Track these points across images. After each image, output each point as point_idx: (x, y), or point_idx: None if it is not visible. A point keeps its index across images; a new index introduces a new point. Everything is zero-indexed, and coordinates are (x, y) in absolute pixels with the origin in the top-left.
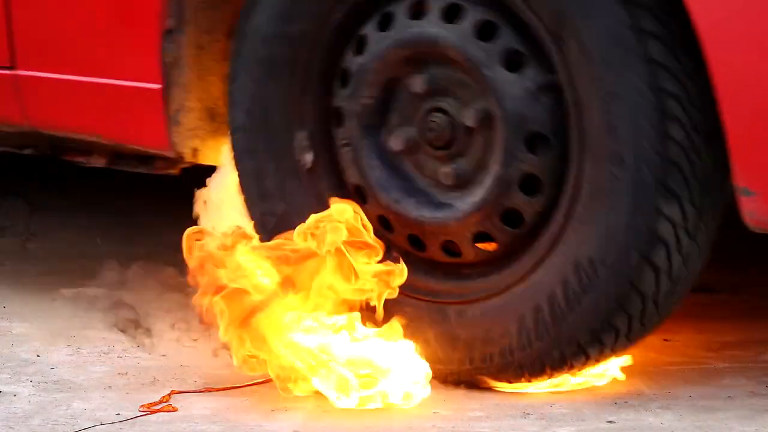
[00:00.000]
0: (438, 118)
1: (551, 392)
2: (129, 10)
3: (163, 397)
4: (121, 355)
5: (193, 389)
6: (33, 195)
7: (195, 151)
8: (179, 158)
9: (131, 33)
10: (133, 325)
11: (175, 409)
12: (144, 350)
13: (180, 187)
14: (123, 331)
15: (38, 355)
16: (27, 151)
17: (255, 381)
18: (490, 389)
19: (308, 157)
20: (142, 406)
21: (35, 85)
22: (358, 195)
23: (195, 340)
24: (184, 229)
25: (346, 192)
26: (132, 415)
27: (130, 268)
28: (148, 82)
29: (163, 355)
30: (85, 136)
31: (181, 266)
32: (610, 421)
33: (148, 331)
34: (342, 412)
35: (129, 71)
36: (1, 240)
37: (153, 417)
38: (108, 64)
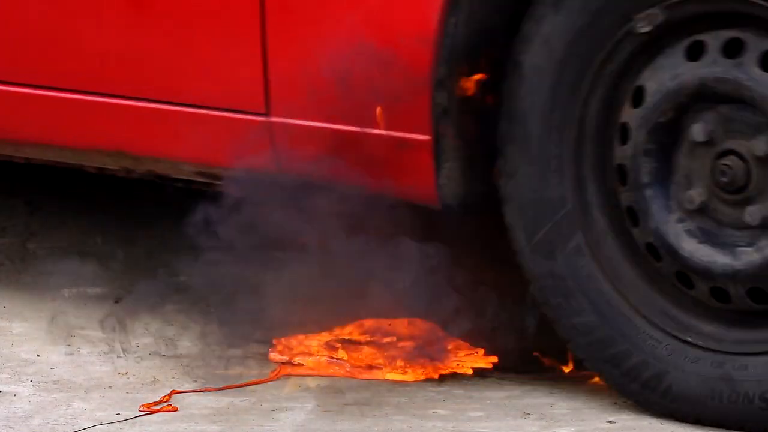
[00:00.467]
0: (729, 160)
1: (551, 392)
2: (399, 61)
3: (163, 397)
4: (121, 355)
5: (193, 389)
6: (33, 195)
7: (461, 202)
8: (446, 210)
9: (401, 83)
10: (133, 325)
11: (175, 409)
12: (144, 350)
13: (180, 188)
14: (123, 330)
15: (38, 355)
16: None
17: (255, 381)
18: (490, 389)
19: None
20: (142, 406)
21: (290, 133)
22: (651, 254)
23: (195, 340)
24: (185, 230)
25: (634, 253)
26: (132, 415)
27: (130, 268)
28: (417, 133)
29: (163, 355)
30: (344, 185)
31: (181, 266)
32: (610, 421)
33: (148, 331)
34: (342, 412)
35: (397, 121)
36: (1, 240)
37: (153, 417)
38: (374, 114)
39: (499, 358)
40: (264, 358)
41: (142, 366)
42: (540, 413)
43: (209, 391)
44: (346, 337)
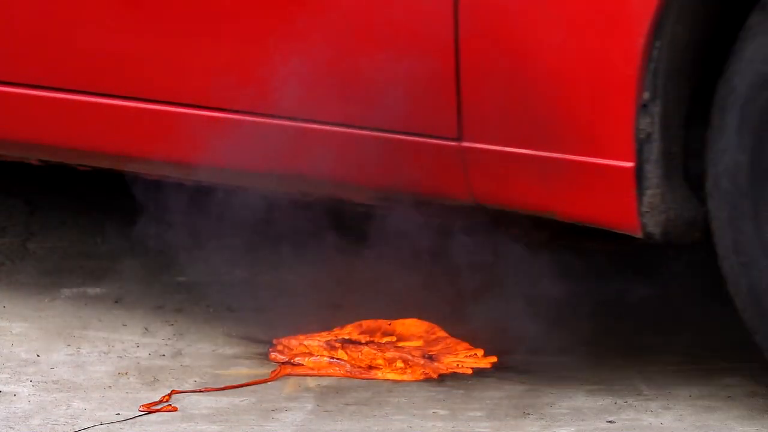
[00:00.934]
0: None
1: (551, 392)
2: (602, 85)
3: (163, 397)
4: (121, 355)
5: (193, 389)
6: (33, 195)
7: (664, 231)
8: (648, 238)
9: (603, 108)
10: (134, 325)
11: (174, 409)
12: (144, 350)
13: (180, 188)
14: (123, 330)
15: (38, 355)
16: (459, 223)
17: (255, 381)
18: (490, 389)
19: None
20: (142, 406)
21: (483, 159)
22: None
23: (195, 339)
24: (186, 230)
25: None
26: (132, 415)
27: (131, 268)
28: (619, 159)
29: (163, 355)
30: (536, 212)
31: (181, 266)
32: (610, 421)
33: (148, 331)
34: (342, 412)
35: (598, 148)
36: (1, 240)
37: (153, 417)
38: (572, 140)
39: (498, 358)
40: (264, 358)
41: (142, 366)
42: (540, 413)
43: (209, 391)
44: (346, 337)
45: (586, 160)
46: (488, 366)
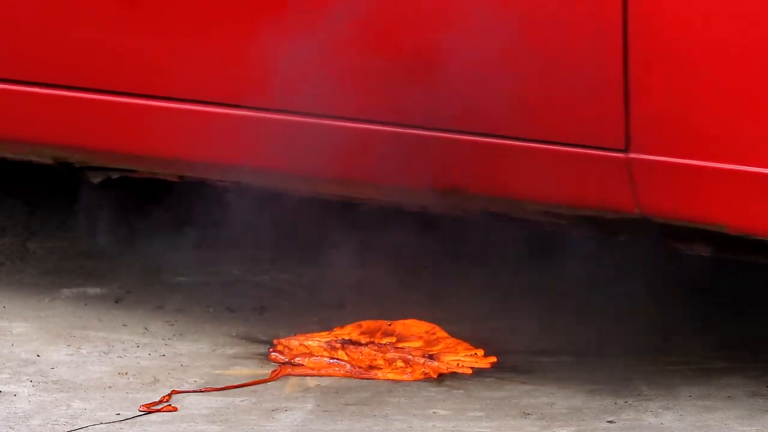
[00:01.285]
0: None
1: (551, 392)
2: None
3: (163, 397)
4: (121, 355)
5: (193, 389)
6: (33, 195)
7: None
8: None
9: None
10: (134, 325)
11: (175, 409)
12: (144, 350)
13: (181, 188)
14: (123, 330)
15: (38, 355)
16: (621, 238)
17: (255, 381)
18: (490, 389)
19: None
20: (142, 406)
21: (654, 171)
22: None
23: (195, 339)
24: (185, 230)
25: None
26: (132, 414)
27: (130, 268)
28: None
29: (163, 355)
30: (707, 226)
31: (180, 266)
32: (610, 421)
33: (148, 331)
34: (342, 412)
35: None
36: (1, 240)
37: (153, 417)
38: (755, 152)
39: (498, 358)
40: (264, 358)
41: (142, 366)
42: (540, 413)
43: (209, 390)
44: (346, 338)
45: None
46: (488, 366)
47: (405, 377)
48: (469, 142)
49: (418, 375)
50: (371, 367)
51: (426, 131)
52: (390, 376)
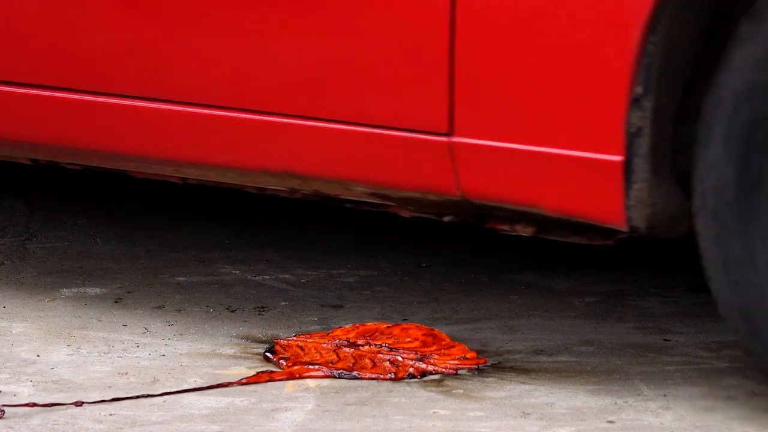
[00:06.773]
0: None
1: (551, 392)
2: (595, 79)
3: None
4: (121, 355)
5: (193, 389)
6: (33, 195)
7: (649, 225)
8: (633, 232)
9: (594, 102)
10: (133, 325)
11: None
12: (144, 350)
13: (181, 189)
14: (122, 330)
15: (38, 355)
16: (446, 219)
17: (255, 380)
18: (490, 389)
19: None
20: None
21: (473, 155)
22: None
23: (195, 339)
24: (184, 230)
25: None
26: (132, 414)
27: (130, 268)
28: (609, 153)
29: (163, 355)
30: (523, 207)
31: (180, 266)
32: (610, 421)
33: (148, 331)
34: (342, 412)
35: (586, 142)
36: (1, 240)
37: (153, 417)
38: (563, 135)
39: (498, 358)
40: (264, 358)
41: (142, 366)
42: (540, 413)
43: (209, 390)
44: (346, 338)
45: (575, 154)
46: (488, 366)
47: (389, 377)
48: (296, 126)
49: (401, 376)
50: (369, 368)
51: (253, 115)
52: (390, 376)
